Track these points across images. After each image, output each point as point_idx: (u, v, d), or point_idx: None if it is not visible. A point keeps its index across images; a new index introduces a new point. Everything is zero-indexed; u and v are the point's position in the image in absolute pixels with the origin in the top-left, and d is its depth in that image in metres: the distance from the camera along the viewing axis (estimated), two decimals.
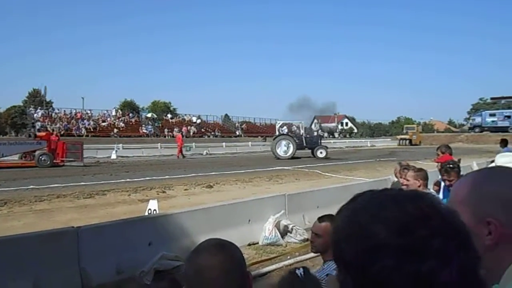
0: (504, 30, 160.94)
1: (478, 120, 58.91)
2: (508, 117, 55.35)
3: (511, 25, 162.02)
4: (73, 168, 19.43)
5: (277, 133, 29.88)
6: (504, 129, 51.06)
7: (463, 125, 66.51)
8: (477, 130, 56.94)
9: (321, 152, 28.06)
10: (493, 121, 55.82)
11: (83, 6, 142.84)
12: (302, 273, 1.80)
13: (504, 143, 11.53)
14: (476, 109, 74.19)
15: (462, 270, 0.56)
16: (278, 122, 32.75)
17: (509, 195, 0.88)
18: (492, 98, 71.14)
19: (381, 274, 0.55)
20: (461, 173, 4.96)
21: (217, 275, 1.08)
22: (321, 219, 2.58)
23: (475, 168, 11.43)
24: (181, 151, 28.56)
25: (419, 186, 4.04)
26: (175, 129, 46.95)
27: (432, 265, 0.54)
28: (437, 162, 5.48)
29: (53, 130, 31.95)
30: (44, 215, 9.05)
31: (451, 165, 4.31)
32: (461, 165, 7.90)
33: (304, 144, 28.59)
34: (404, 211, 0.58)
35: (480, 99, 78.53)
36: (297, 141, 27.80)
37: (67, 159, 21.08)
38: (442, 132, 69.43)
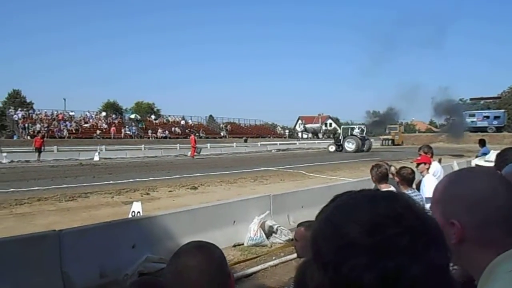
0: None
1: None
2: (487, 117, 56.67)
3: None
4: (53, 170, 19.09)
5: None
6: (483, 129, 52.28)
7: (444, 125, 67.71)
8: None
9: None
10: (472, 121, 56.96)
11: (68, 8, 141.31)
12: None
13: (482, 143, 11.82)
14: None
15: (430, 266, 0.57)
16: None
17: (473, 198, 0.90)
18: (471, 99, 72.67)
19: (353, 272, 0.56)
20: (441, 173, 5.06)
21: (197, 276, 1.09)
22: (300, 224, 2.66)
23: (456, 168, 11.69)
24: (195, 151, 30.46)
25: None
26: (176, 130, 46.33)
27: (400, 261, 0.55)
28: (414, 162, 5.53)
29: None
30: (25, 219, 8.87)
31: None
32: (441, 164, 8.08)
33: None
34: (377, 212, 0.60)
35: (460, 99, 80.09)
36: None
37: None
38: (424, 132, 70.56)
